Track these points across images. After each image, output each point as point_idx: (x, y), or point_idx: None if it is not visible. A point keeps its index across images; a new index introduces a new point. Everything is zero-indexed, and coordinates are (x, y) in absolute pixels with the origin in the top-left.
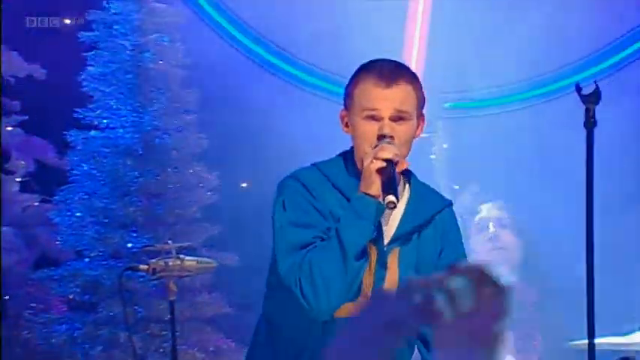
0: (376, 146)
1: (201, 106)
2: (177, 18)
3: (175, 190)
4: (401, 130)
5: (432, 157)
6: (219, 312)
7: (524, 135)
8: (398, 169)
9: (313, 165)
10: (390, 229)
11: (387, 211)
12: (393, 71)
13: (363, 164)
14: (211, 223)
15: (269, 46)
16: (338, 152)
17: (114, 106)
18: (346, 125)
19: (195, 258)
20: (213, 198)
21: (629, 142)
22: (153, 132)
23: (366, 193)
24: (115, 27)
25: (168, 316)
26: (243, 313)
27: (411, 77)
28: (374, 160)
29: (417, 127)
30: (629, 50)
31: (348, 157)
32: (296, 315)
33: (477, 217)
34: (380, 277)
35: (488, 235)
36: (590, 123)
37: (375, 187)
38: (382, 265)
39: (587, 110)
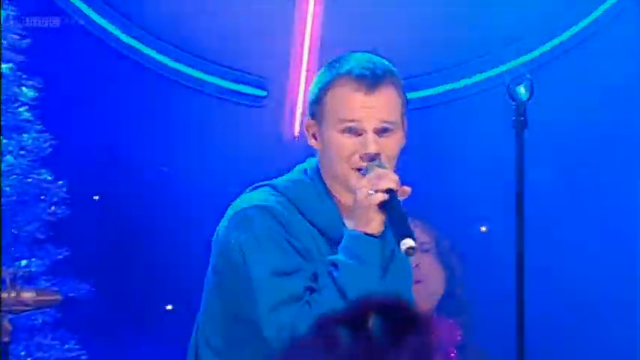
0: (361, 169)
1: (44, 100)
2: None
3: (10, 203)
4: (388, 144)
5: None
6: (65, 355)
7: (443, 136)
8: (400, 197)
9: (269, 186)
10: None
11: None
12: (374, 72)
13: (339, 183)
14: (56, 245)
15: (126, 25)
16: (216, 154)
17: None
18: (314, 137)
19: (36, 288)
20: (59, 213)
21: (561, 144)
22: None
23: (365, 232)
24: None
25: None
26: (97, 357)
27: (394, 77)
28: (372, 193)
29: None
30: (569, 33)
31: (314, 174)
32: None
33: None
34: None
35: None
36: (520, 123)
37: (375, 223)
38: None
39: (517, 108)
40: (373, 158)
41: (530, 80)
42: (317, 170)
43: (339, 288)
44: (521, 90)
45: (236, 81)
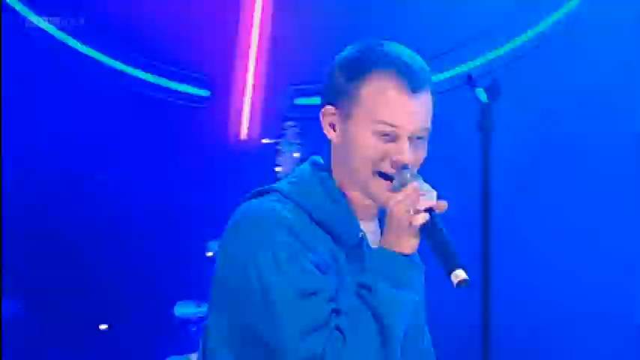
0: (386, 175)
1: None
2: None
3: None
4: (418, 153)
5: (278, 169)
6: None
7: None
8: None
9: (274, 191)
10: None
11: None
12: (417, 70)
13: (354, 183)
14: None
15: (63, 23)
16: (158, 157)
17: None
18: (331, 127)
19: None
20: None
21: (528, 147)
22: None
23: (402, 254)
24: None
25: None
26: None
27: (430, 77)
28: (413, 212)
29: None
30: (536, 30)
31: (322, 173)
32: None
33: None
34: None
35: None
36: (486, 124)
37: (413, 243)
38: None
39: (482, 109)
40: (405, 166)
41: (496, 80)
42: (325, 168)
43: (377, 316)
44: (487, 90)
45: (178, 80)
